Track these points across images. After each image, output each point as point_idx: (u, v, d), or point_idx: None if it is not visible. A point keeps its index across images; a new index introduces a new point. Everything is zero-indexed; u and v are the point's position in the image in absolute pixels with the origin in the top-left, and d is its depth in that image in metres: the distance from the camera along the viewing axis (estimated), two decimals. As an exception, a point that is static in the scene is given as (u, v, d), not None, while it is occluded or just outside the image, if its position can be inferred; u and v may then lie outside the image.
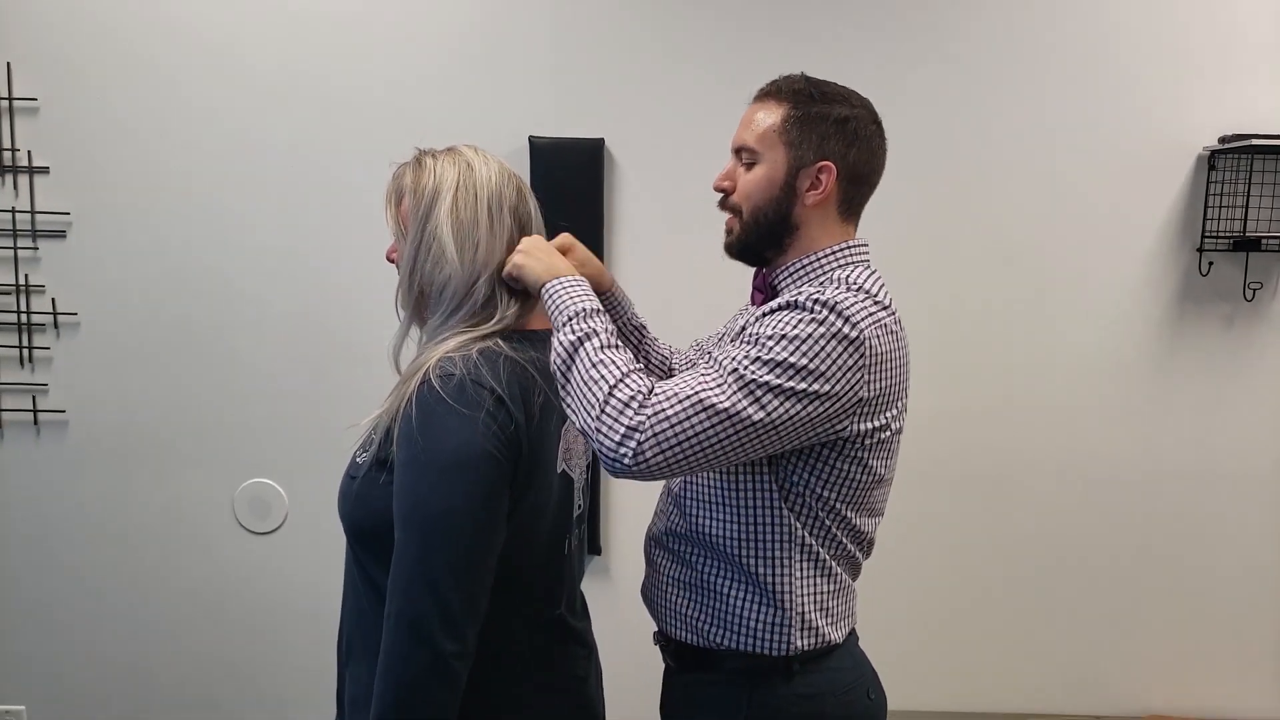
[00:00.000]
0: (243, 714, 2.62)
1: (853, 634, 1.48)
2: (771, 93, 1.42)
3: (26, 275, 2.44)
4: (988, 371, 2.52)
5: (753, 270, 1.50)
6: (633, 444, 1.19)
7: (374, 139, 2.42)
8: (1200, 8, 2.41)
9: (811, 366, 1.23)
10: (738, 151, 1.43)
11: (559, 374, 1.27)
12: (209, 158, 2.43)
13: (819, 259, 1.39)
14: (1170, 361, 2.51)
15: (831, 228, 1.41)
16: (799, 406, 1.23)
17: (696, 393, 1.21)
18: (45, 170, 2.41)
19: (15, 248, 2.42)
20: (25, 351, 2.47)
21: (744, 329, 1.34)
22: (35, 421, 2.49)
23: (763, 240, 1.42)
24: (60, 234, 2.43)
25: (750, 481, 1.37)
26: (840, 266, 1.39)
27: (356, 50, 2.41)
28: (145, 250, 2.45)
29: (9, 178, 2.40)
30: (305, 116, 2.42)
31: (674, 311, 2.47)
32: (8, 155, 2.39)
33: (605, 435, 1.20)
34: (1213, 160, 2.43)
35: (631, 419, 1.19)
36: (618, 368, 1.23)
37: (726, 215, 1.45)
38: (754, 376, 1.22)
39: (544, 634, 1.39)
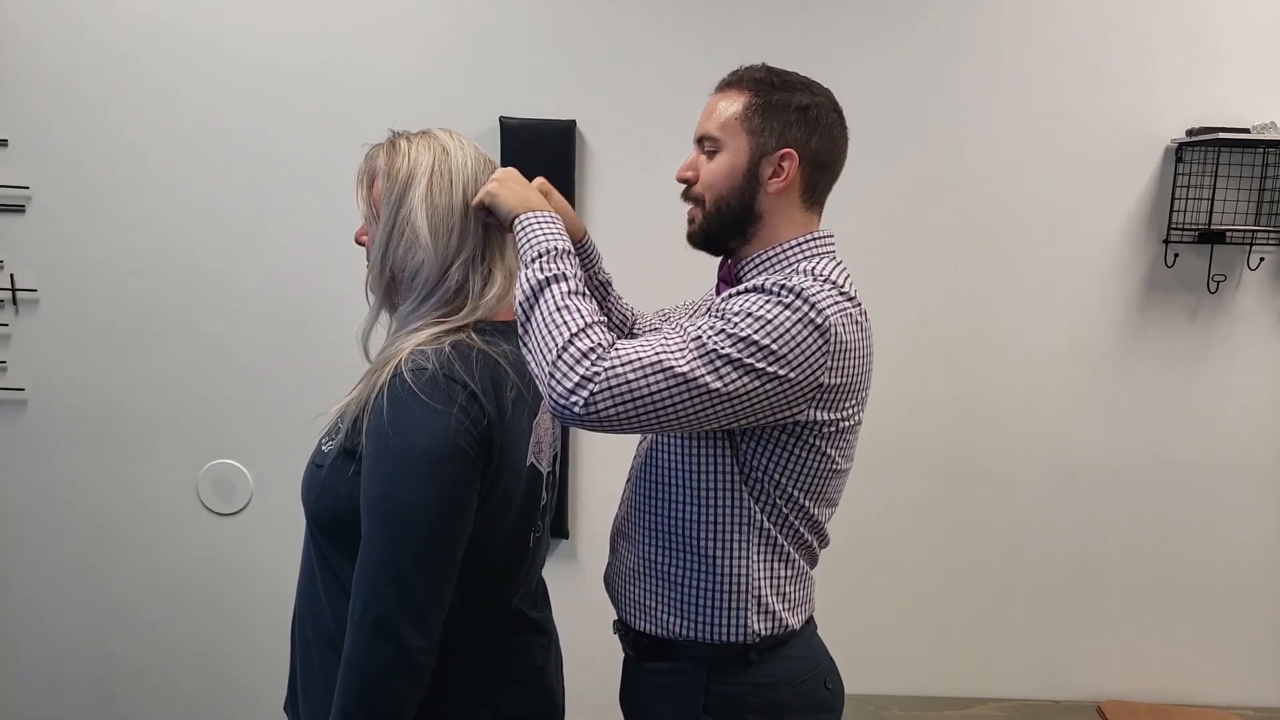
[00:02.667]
0: (203, 695, 2.60)
1: (810, 622, 1.48)
2: (733, 82, 1.42)
3: (-18, 250, 2.40)
4: (954, 361, 2.53)
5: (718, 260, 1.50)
6: (585, 393, 1.18)
7: (343, 118, 2.39)
8: (1168, 1, 2.43)
9: (775, 348, 1.23)
10: (700, 141, 1.43)
11: (520, 310, 1.25)
12: (173, 133, 2.38)
13: (784, 250, 1.40)
14: (1135, 351, 2.53)
15: (795, 216, 1.41)
16: (757, 383, 1.23)
17: (657, 354, 1.21)
18: (3, 143, 2.35)
19: (-28, 222, 2.38)
20: (-18, 328, 2.42)
21: (711, 307, 1.34)
22: (-8, 399, 2.46)
23: (726, 229, 1.41)
24: (19, 208, 2.38)
25: (711, 464, 1.37)
26: (806, 258, 1.39)
27: (325, 28, 2.37)
28: (107, 226, 2.41)
29: (-34, 150, 2.35)
30: (273, 95, 2.38)
31: (645, 296, 2.46)
32: (-35, 127, 2.34)
33: (559, 381, 1.19)
34: (1180, 153, 2.45)
35: (588, 369, 1.18)
36: (581, 316, 1.22)
37: (689, 206, 1.45)
38: (715, 347, 1.22)
39: (503, 624, 1.38)
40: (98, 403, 2.47)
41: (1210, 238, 2.45)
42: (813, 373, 1.26)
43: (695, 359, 1.21)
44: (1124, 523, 2.59)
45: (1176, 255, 2.49)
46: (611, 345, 1.21)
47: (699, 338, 1.23)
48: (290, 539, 2.45)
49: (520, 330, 1.25)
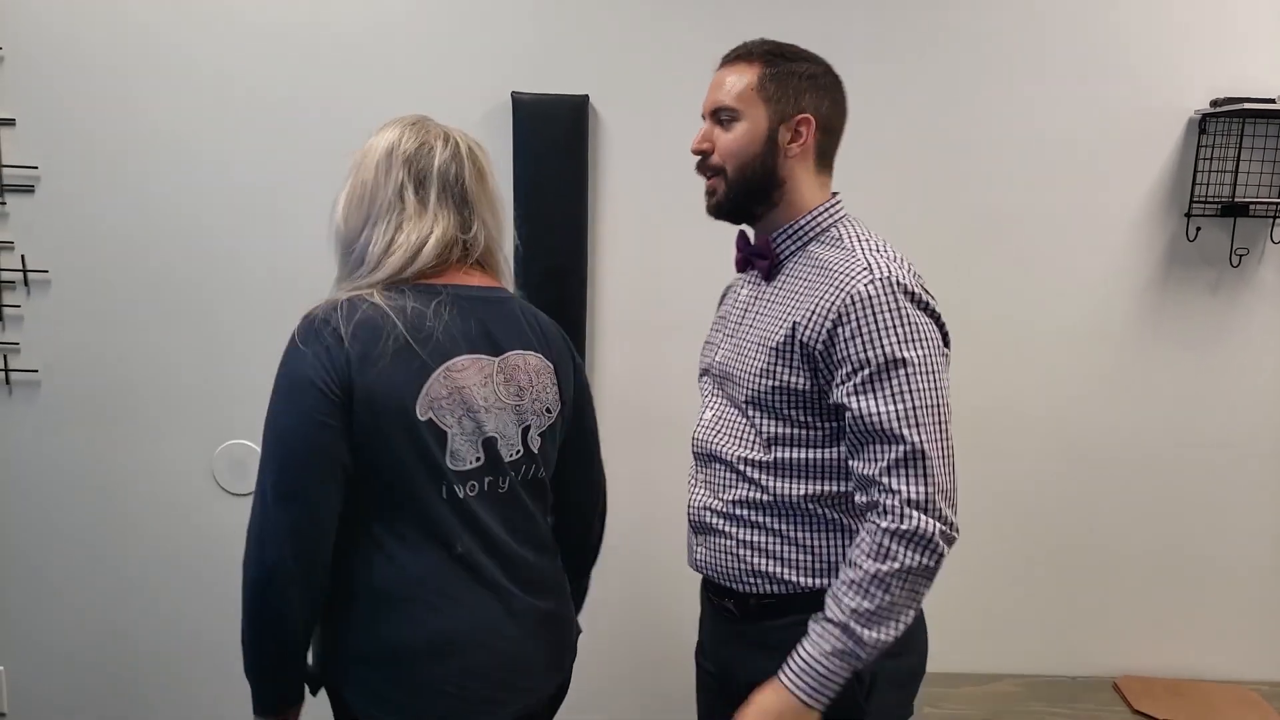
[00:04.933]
0: (223, 673, 2.61)
1: None
2: (741, 55, 1.51)
3: (-7, 231, 2.38)
4: (970, 339, 2.49)
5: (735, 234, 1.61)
6: (929, 529, 1.36)
7: (354, 95, 2.35)
8: (1195, -32, 2.38)
9: (921, 349, 1.38)
10: (714, 114, 1.51)
11: (902, 596, 1.37)
12: (183, 110, 2.36)
13: (814, 218, 1.51)
14: (1156, 328, 2.50)
15: (812, 179, 1.51)
16: (937, 380, 1.40)
17: (912, 445, 1.36)
18: (11, 123, 2.33)
19: (-16, 203, 2.36)
20: (-6, 310, 2.41)
21: (843, 359, 1.41)
22: (6, 381, 2.44)
23: (752, 196, 1.50)
24: (29, 189, 2.36)
25: (827, 449, 1.47)
26: (835, 222, 1.51)
27: (338, 3, 2.33)
28: (118, 206, 2.38)
29: (-25, 130, 2.33)
30: (284, 72, 2.35)
31: (661, 275, 2.46)
32: (-27, 107, 2.31)
33: (935, 551, 1.37)
34: (1203, 124, 2.41)
35: (921, 534, 1.35)
36: (862, 567, 1.37)
37: (707, 178, 1.53)
38: (933, 406, 1.38)
39: (449, 574, 1.43)
40: (112, 384, 2.46)
41: (1233, 210, 2.41)
42: (939, 333, 1.43)
43: (933, 424, 1.39)
44: (1143, 501, 2.58)
45: (1199, 229, 2.46)
46: (888, 522, 1.36)
47: (911, 412, 1.37)
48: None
49: (911, 596, 1.39)
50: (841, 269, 1.43)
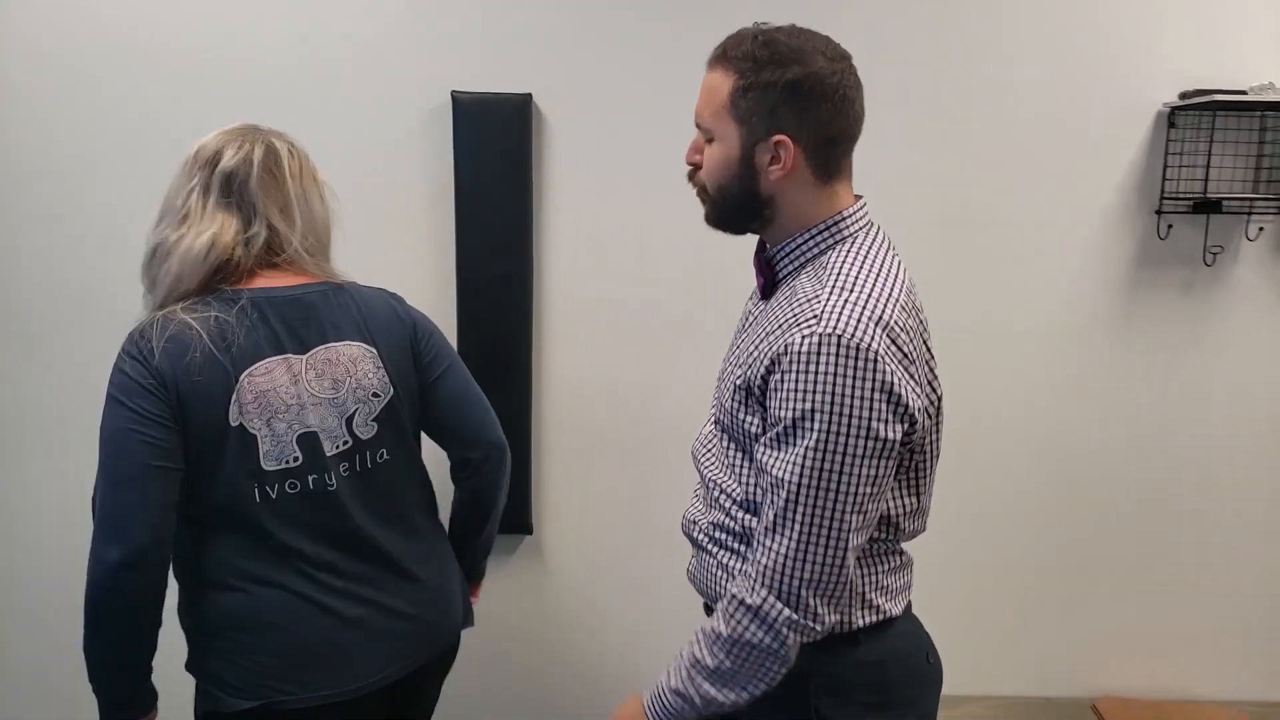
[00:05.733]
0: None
1: (908, 604, 1.47)
2: (720, 57, 1.32)
3: (-86, 241, 2.28)
4: (935, 338, 2.40)
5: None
6: (773, 613, 1.24)
7: (283, 98, 2.25)
8: (1161, -45, 2.29)
9: (842, 417, 1.20)
10: (697, 125, 1.36)
11: (743, 660, 1.28)
12: (106, 118, 2.26)
13: (816, 237, 1.33)
14: (1127, 329, 2.40)
15: (811, 195, 1.33)
16: (856, 456, 1.22)
17: (779, 548, 1.24)
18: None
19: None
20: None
21: (739, 350, 1.36)
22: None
23: (738, 216, 1.37)
24: (-50, 197, 2.28)
25: None
26: (835, 244, 1.33)
27: (268, 3, 2.24)
28: (69, 224, 2.29)
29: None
30: (209, 74, 2.24)
31: (607, 281, 2.36)
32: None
33: (786, 636, 1.25)
34: (1173, 117, 2.31)
35: (764, 613, 1.24)
36: (715, 637, 1.28)
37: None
38: (800, 476, 1.22)
39: (270, 563, 1.51)
40: (66, 407, 2.35)
41: (1206, 207, 2.32)
42: (884, 414, 1.22)
43: (804, 504, 1.22)
44: (1118, 511, 2.47)
45: (1170, 226, 2.35)
46: (742, 593, 1.26)
47: (781, 482, 1.23)
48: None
49: (760, 667, 1.28)
50: (799, 309, 1.27)
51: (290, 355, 1.50)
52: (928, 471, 1.39)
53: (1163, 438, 2.43)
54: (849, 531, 1.23)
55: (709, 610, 1.49)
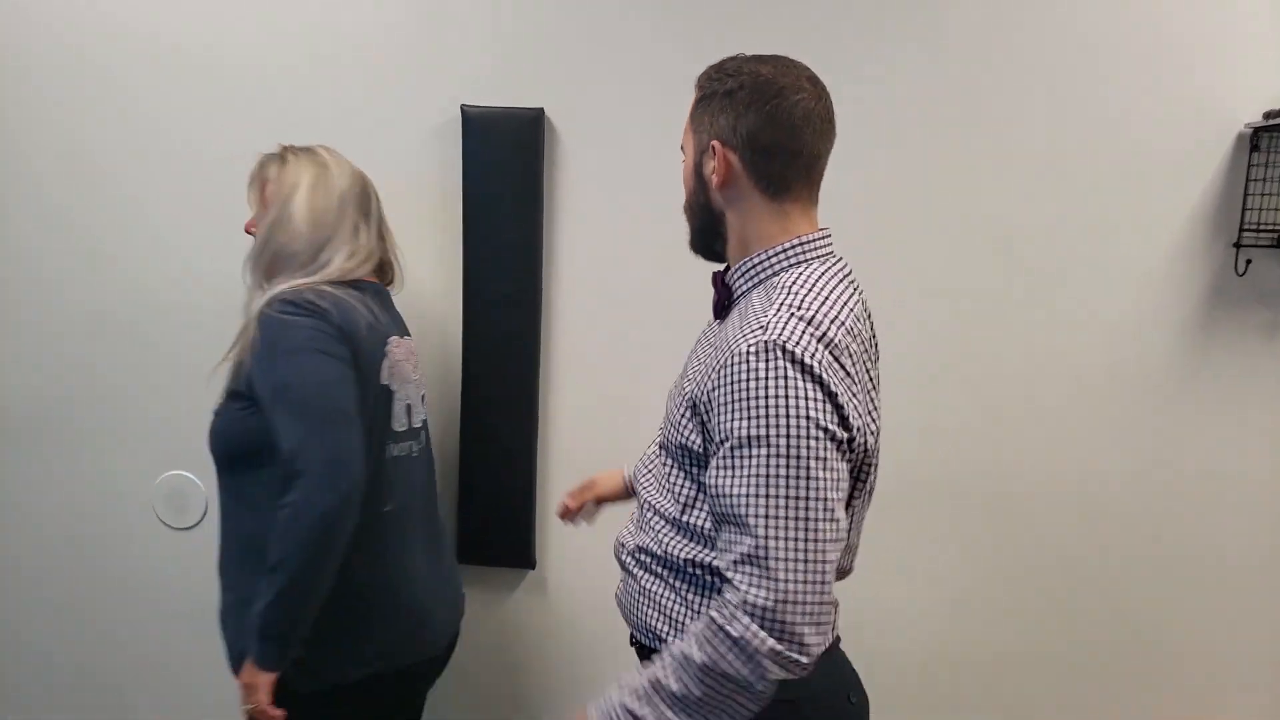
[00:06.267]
0: (155, 711, 2.47)
1: (835, 640, 1.42)
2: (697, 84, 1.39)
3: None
4: (975, 382, 2.19)
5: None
6: (755, 643, 1.15)
7: (295, 112, 2.21)
8: (1244, -42, 2.04)
9: (785, 425, 1.17)
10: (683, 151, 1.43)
11: (706, 702, 1.21)
12: (121, 129, 2.25)
13: (768, 258, 1.32)
14: (1198, 374, 2.14)
15: (759, 210, 1.33)
16: (811, 463, 1.17)
17: (739, 554, 1.18)
18: (-38, 137, 2.29)
19: (-67, 219, 2.31)
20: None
21: (687, 373, 1.38)
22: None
23: (704, 234, 1.40)
24: (-22, 207, 2.31)
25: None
26: (789, 265, 1.31)
27: (276, 15, 2.20)
28: (60, 227, 2.30)
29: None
30: (222, 90, 2.22)
31: (622, 300, 2.23)
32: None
33: (769, 672, 1.16)
34: (1255, 139, 2.05)
35: (746, 643, 1.15)
36: (689, 652, 1.20)
37: None
38: (751, 505, 1.17)
39: (385, 528, 1.70)
40: (55, 406, 2.37)
41: (1292, 241, 2.05)
42: (827, 419, 1.19)
43: (766, 512, 1.16)
44: (1178, 576, 2.19)
45: (1249, 261, 2.09)
46: (720, 618, 1.18)
47: (733, 503, 1.19)
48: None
49: (723, 706, 1.21)
50: (746, 323, 1.25)
51: (403, 337, 1.81)
52: (860, 506, 1.37)
53: (1235, 496, 2.15)
54: (825, 542, 1.17)
55: (633, 640, 1.46)
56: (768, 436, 1.16)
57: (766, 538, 1.15)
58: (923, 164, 2.13)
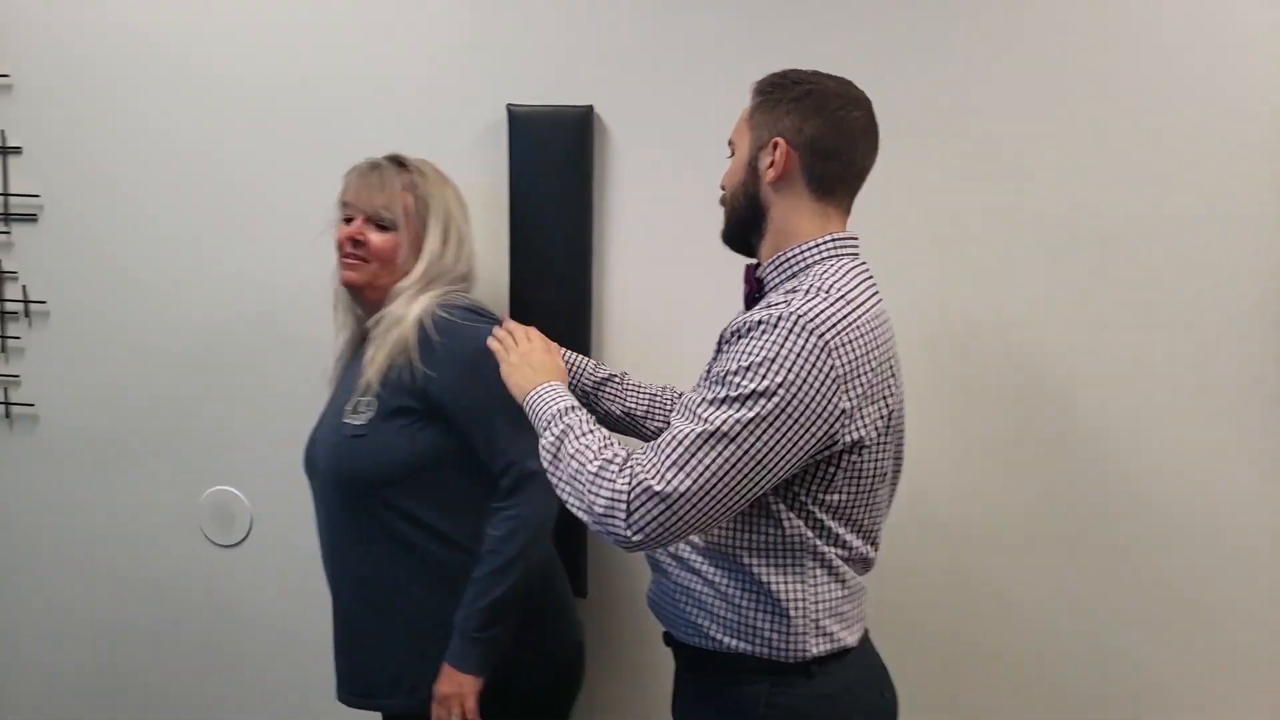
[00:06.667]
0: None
1: (865, 634, 1.50)
2: (751, 92, 1.48)
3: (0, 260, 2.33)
4: (1051, 393, 1.99)
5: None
6: (621, 514, 1.24)
7: (342, 115, 2.15)
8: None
9: (782, 391, 1.24)
10: (730, 147, 1.52)
11: (550, 473, 1.37)
12: (185, 138, 2.22)
13: (802, 252, 1.41)
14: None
15: (804, 208, 1.42)
16: (777, 435, 1.24)
17: (671, 450, 1.25)
18: (18, 150, 2.29)
19: (-7, 232, 2.32)
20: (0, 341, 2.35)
21: (710, 365, 1.40)
22: (7, 415, 2.37)
23: (743, 225, 1.48)
24: (32, 218, 2.31)
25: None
26: (821, 259, 1.40)
27: (316, 16, 2.15)
28: (117, 239, 2.27)
29: (-11, 158, 2.29)
30: (272, 94, 2.17)
31: (676, 301, 2.11)
32: (-17, 135, 2.28)
33: (599, 515, 1.27)
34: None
35: (612, 491, 1.25)
36: (592, 450, 1.31)
37: None
38: (722, 423, 1.24)
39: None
40: (107, 422, 2.34)
41: None
42: (829, 400, 1.27)
43: (711, 441, 1.24)
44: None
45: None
46: (626, 459, 1.29)
47: (703, 418, 1.26)
48: (292, 572, 2.26)
49: (557, 488, 1.36)
50: (769, 301, 1.36)
51: None
52: (884, 493, 1.44)
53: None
54: (754, 492, 1.27)
55: (668, 639, 1.54)
56: (759, 379, 1.24)
57: (704, 464, 1.23)
58: (988, 150, 1.96)
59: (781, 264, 1.42)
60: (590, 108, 2.07)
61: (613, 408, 1.79)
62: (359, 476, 1.67)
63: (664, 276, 2.11)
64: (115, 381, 2.33)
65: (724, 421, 1.23)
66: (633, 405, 1.80)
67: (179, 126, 2.23)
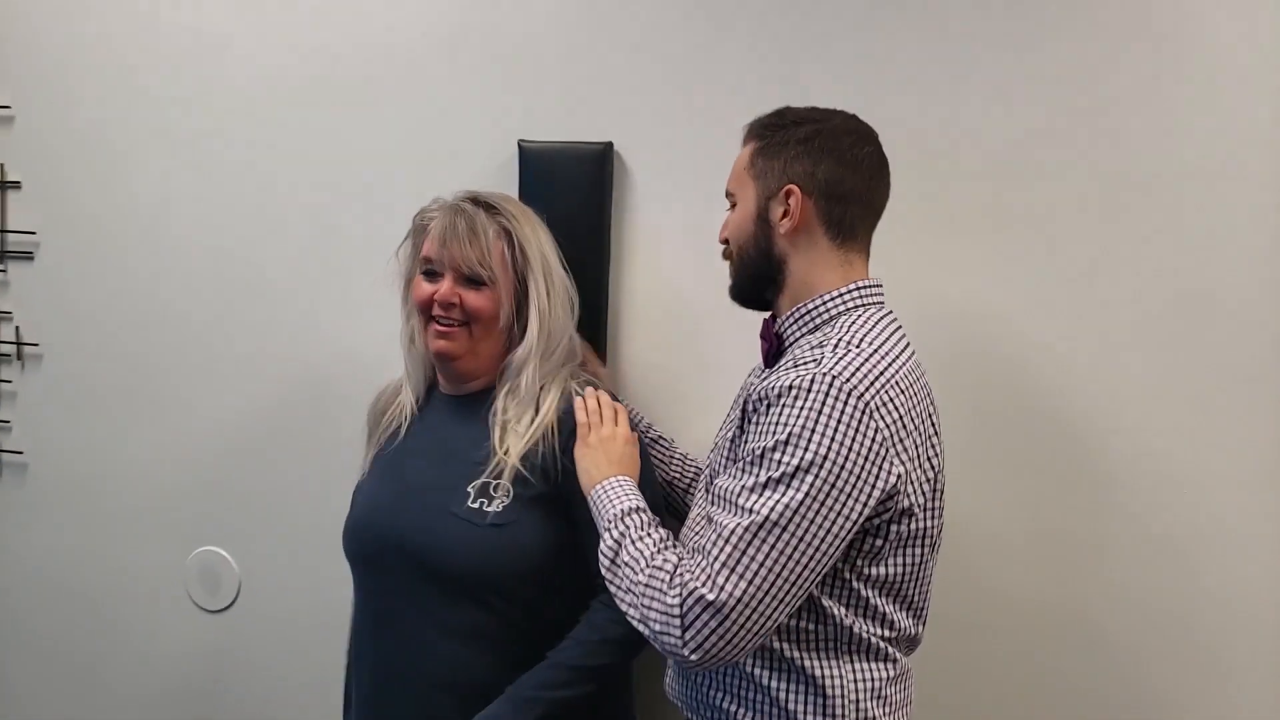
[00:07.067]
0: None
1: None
2: (746, 134, 1.41)
3: (-6, 300, 2.22)
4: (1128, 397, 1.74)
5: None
6: (676, 630, 1.15)
7: (344, 146, 2.01)
8: None
9: (827, 464, 1.15)
10: (727, 195, 1.43)
11: (608, 581, 1.28)
12: (183, 183, 2.09)
13: (824, 303, 1.32)
14: None
15: (825, 258, 1.33)
16: (829, 513, 1.15)
17: (718, 555, 1.16)
18: (17, 185, 2.19)
19: (-13, 270, 2.21)
20: (-9, 383, 2.24)
21: (729, 430, 1.36)
22: (-2, 462, 2.26)
23: (756, 281, 1.39)
24: (28, 255, 2.20)
25: None
26: (847, 309, 1.31)
27: (319, 32, 2.01)
28: (110, 281, 2.14)
29: (-11, 194, 2.19)
30: (279, 124, 2.04)
31: (700, 344, 1.89)
32: (-14, 170, 2.18)
33: (656, 632, 1.18)
34: None
35: (665, 606, 1.16)
36: (644, 558, 1.23)
37: None
38: (770, 510, 1.15)
39: None
40: (94, 473, 2.20)
41: None
42: (877, 462, 1.18)
43: (756, 535, 1.15)
44: None
45: None
46: (676, 568, 1.19)
47: (743, 506, 1.17)
48: (280, 638, 2.09)
49: (615, 597, 1.27)
50: (796, 359, 1.27)
51: None
52: (930, 563, 1.33)
53: None
54: (811, 581, 1.17)
55: None
56: (800, 453, 1.15)
57: (754, 561, 1.14)
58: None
59: (802, 316, 1.33)
60: (609, 144, 1.89)
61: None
62: (501, 570, 1.49)
63: (689, 314, 1.90)
64: (101, 430, 2.19)
65: (771, 508, 1.14)
66: (676, 475, 1.72)
67: (176, 172, 2.10)
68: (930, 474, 1.29)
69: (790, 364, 1.26)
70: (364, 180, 2.00)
